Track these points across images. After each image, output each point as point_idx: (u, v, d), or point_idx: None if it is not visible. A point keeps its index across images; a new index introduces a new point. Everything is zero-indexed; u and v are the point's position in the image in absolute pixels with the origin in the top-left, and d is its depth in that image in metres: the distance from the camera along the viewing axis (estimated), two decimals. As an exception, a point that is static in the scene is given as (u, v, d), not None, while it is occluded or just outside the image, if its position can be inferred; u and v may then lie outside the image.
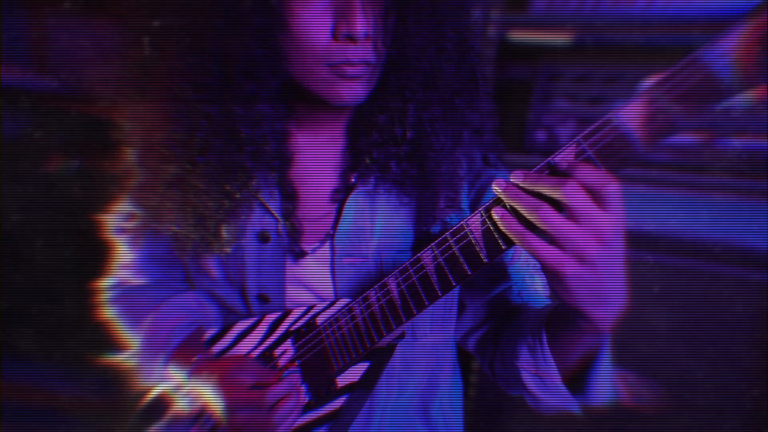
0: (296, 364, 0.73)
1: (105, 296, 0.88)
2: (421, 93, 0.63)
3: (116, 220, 0.81)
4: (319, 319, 0.73)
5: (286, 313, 0.76)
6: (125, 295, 0.87)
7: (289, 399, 0.68)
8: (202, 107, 0.61)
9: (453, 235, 0.57)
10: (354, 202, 0.72)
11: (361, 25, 0.57)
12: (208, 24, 0.57)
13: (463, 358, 0.88)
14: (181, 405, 0.84)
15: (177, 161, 0.64)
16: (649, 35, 1.46)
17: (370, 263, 0.72)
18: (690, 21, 1.39)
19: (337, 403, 0.69)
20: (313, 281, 0.75)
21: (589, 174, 0.45)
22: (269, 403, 0.67)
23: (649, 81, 0.44)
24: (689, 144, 1.48)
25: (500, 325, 0.75)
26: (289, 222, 0.72)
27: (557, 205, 0.47)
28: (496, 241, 0.54)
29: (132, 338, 0.84)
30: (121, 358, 0.84)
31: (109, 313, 0.87)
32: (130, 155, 0.69)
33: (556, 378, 0.59)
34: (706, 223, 1.40)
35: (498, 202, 0.53)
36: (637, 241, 1.43)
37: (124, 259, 0.87)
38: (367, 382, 0.69)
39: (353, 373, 0.69)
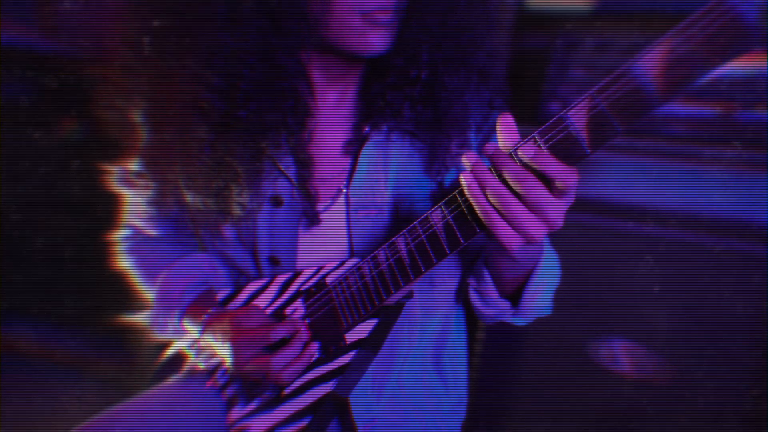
0: (306, 322, 0.75)
1: (120, 246, 0.90)
2: (436, 33, 0.64)
3: (124, 174, 0.82)
4: (329, 279, 0.73)
5: (296, 274, 0.77)
6: (139, 246, 0.88)
7: (294, 342, 0.70)
8: (244, 56, 0.62)
9: (461, 194, 0.57)
10: (368, 154, 0.72)
11: None
12: None
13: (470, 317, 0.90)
14: (196, 360, 0.86)
15: (216, 116, 0.64)
16: (673, 2, 1.41)
17: (385, 214, 0.72)
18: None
19: (345, 358, 0.70)
20: (328, 240, 0.75)
21: (552, 165, 0.49)
22: (272, 340, 0.69)
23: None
24: (708, 116, 1.44)
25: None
26: (303, 186, 0.72)
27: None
28: None
29: (146, 291, 0.86)
30: (137, 317, 0.87)
31: (124, 263, 0.89)
32: (150, 118, 0.69)
33: (492, 293, 0.68)
34: (724, 199, 1.38)
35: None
36: (653, 216, 1.41)
37: (134, 209, 0.88)
38: (375, 339, 0.70)
39: (362, 330, 0.70)
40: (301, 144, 0.72)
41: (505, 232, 0.52)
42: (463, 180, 0.54)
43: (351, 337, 0.71)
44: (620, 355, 1.49)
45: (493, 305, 0.71)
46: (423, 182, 0.73)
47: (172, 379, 0.89)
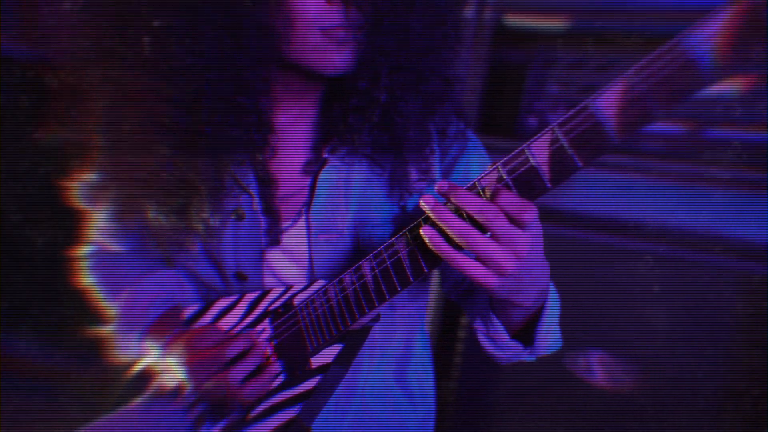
0: (273, 343, 0.73)
1: (83, 264, 0.87)
2: (393, 57, 0.64)
3: (87, 189, 0.80)
4: (297, 300, 0.72)
5: (265, 293, 0.76)
6: (103, 262, 0.87)
7: (251, 354, 0.69)
8: (206, 73, 0.61)
9: (426, 221, 0.57)
10: (327, 177, 0.72)
11: None
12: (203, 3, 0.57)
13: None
14: (164, 379, 0.84)
15: (178, 132, 0.63)
16: (646, 23, 1.44)
17: (346, 238, 0.72)
18: (687, 10, 1.37)
19: (311, 383, 0.69)
20: (290, 259, 0.74)
21: (510, 200, 0.49)
22: (228, 357, 0.68)
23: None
24: (678, 134, 1.47)
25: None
26: (263, 200, 0.71)
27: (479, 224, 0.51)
28: None
29: (110, 307, 0.84)
30: (102, 330, 0.84)
31: (88, 280, 0.86)
32: (112, 133, 0.67)
33: (504, 337, 0.66)
34: (705, 214, 1.41)
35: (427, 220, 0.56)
36: (636, 232, 1.44)
37: (98, 225, 0.86)
38: (341, 364, 0.69)
39: (327, 354, 0.69)
40: (262, 162, 0.71)
41: (475, 270, 0.51)
42: (423, 233, 0.53)
43: (317, 361, 0.69)
44: (596, 366, 1.51)
45: (506, 349, 0.68)
46: (385, 206, 0.73)
47: (139, 399, 0.87)
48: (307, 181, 0.73)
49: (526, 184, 0.50)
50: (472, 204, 0.50)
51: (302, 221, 0.73)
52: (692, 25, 0.39)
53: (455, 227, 0.51)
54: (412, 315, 0.81)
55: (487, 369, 1.62)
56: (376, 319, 0.69)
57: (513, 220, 0.50)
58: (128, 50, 0.62)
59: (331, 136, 0.71)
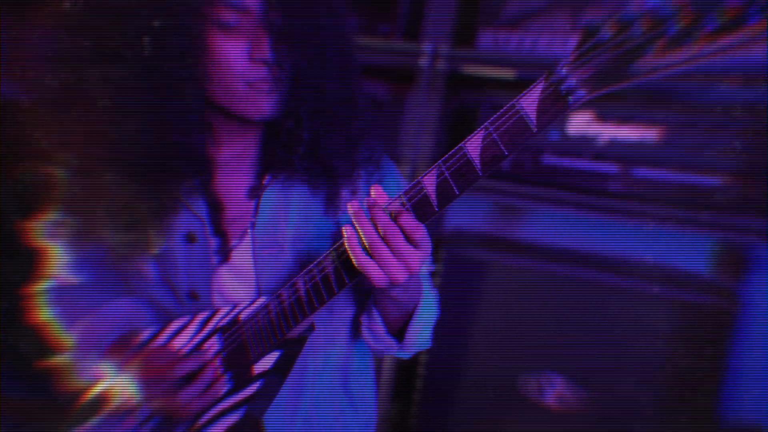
0: (221, 356, 0.82)
1: (43, 299, 0.93)
2: (312, 103, 0.76)
3: (46, 227, 0.87)
4: (243, 315, 0.82)
5: (214, 312, 0.85)
6: (63, 295, 0.92)
7: (202, 376, 0.77)
8: (144, 117, 0.71)
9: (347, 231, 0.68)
10: (268, 199, 0.82)
11: (271, 51, 0.70)
12: (135, 45, 0.67)
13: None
14: (117, 400, 0.90)
15: (127, 163, 0.73)
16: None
17: (287, 253, 0.82)
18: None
19: (252, 388, 0.78)
20: (238, 276, 0.84)
21: (407, 221, 0.63)
22: (178, 376, 0.76)
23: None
24: (612, 172, 1.64)
25: None
26: (213, 223, 0.81)
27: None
28: None
29: (68, 336, 0.89)
30: (59, 360, 0.89)
31: (46, 315, 0.91)
32: (63, 162, 0.76)
33: (380, 329, 0.80)
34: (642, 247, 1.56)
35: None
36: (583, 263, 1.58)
37: (59, 260, 0.91)
38: (280, 369, 0.78)
39: (267, 361, 0.78)
40: (210, 189, 0.81)
41: (374, 272, 0.63)
42: (344, 231, 0.65)
43: (258, 368, 0.79)
44: (546, 388, 1.60)
45: (380, 341, 0.82)
46: (322, 224, 0.84)
47: (93, 421, 0.91)
48: (252, 203, 0.83)
49: (421, 209, 0.62)
50: (381, 221, 0.62)
51: (248, 239, 0.83)
52: (522, 92, 0.53)
53: (367, 234, 0.63)
54: (348, 319, 0.90)
55: (447, 390, 1.70)
56: (311, 329, 0.79)
57: (409, 238, 0.62)
58: (72, 93, 0.71)
59: (271, 165, 0.82)
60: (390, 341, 0.81)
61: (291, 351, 0.78)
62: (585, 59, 0.48)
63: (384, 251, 0.63)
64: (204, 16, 0.68)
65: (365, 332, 0.84)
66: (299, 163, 0.78)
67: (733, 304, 1.37)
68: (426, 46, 1.76)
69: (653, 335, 1.46)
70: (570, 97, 0.49)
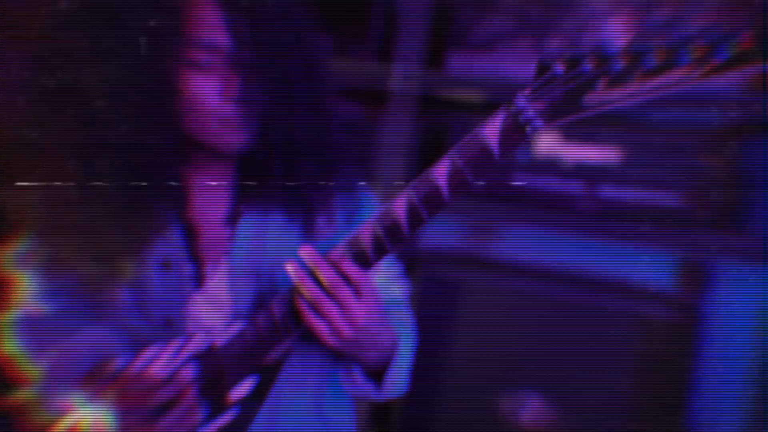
0: (197, 383, 0.81)
1: (10, 330, 0.89)
2: (280, 140, 0.78)
3: (16, 256, 0.85)
4: (219, 342, 0.82)
5: (190, 338, 0.84)
6: (32, 326, 0.89)
7: (179, 404, 0.76)
8: (117, 156, 0.72)
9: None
10: (245, 226, 0.83)
11: (240, 90, 0.73)
12: (109, 82, 0.69)
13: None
14: (91, 429, 0.88)
15: (104, 190, 0.73)
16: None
17: (264, 280, 0.82)
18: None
19: (229, 415, 0.78)
20: (214, 301, 0.84)
21: (350, 271, 0.64)
22: (153, 403, 0.75)
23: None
24: (579, 192, 1.71)
25: None
26: (189, 249, 0.82)
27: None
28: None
29: (36, 368, 0.86)
30: (23, 395, 0.86)
31: (11, 347, 0.88)
32: (35, 196, 0.76)
33: (358, 378, 0.81)
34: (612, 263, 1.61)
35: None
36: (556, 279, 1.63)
37: (28, 289, 0.89)
38: (257, 395, 0.78)
39: (243, 388, 0.78)
40: (185, 215, 0.82)
41: (321, 330, 0.65)
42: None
43: (234, 395, 0.78)
44: (522, 407, 1.63)
45: (358, 387, 0.82)
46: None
47: None
48: (229, 230, 0.84)
49: (391, 233, 0.65)
50: (323, 272, 0.64)
51: (223, 265, 0.83)
52: (485, 119, 0.56)
53: (308, 290, 0.65)
54: (325, 348, 0.88)
55: (425, 411, 1.71)
56: (288, 353, 0.80)
57: (355, 291, 0.64)
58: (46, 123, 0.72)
59: (246, 194, 0.84)
60: (368, 386, 0.81)
61: (267, 377, 0.78)
62: (541, 92, 0.51)
63: (326, 304, 0.64)
64: (178, 57, 0.70)
65: (342, 377, 0.83)
66: (273, 194, 0.79)
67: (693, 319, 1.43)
68: (398, 68, 1.82)
69: (624, 352, 1.51)
70: (527, 128, 0.53)
